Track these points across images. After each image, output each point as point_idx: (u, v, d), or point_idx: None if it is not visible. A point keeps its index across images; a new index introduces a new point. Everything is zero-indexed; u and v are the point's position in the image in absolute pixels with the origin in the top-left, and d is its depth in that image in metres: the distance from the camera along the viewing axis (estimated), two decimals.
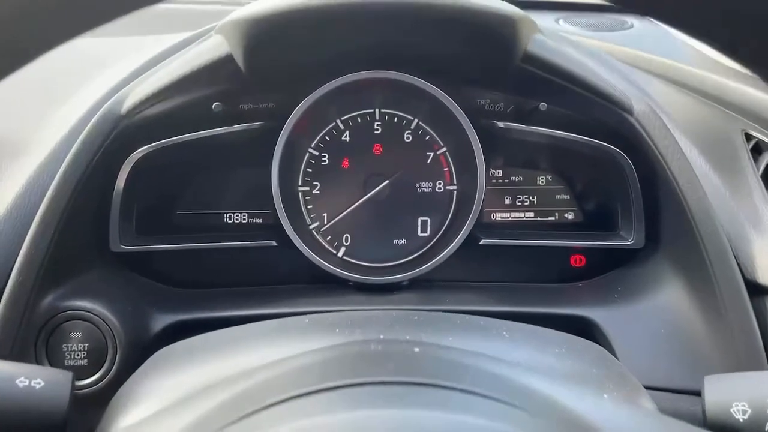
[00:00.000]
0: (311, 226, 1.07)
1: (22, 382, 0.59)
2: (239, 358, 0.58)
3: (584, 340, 0.73)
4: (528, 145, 1.00)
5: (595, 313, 0.92)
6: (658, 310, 0.91)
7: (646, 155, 0.90)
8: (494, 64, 0.87)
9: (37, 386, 0.60)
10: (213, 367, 0.58)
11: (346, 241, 1.08)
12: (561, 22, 1.45)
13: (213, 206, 1.08)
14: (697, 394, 0.81)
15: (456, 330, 0.62)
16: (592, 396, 0.48)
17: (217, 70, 0.85)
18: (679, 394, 0.81)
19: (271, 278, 1.05)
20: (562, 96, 0.90)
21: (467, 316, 0.69)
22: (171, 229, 1.06)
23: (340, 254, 1.07)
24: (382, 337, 0.57)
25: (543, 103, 0.89)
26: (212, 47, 0.86)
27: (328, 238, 1.07)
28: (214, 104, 0.88)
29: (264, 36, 0.79)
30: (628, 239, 0.97)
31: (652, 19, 1.55)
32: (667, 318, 0.89)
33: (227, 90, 0.90)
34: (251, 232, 1.06)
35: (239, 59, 0.84)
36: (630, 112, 0.89)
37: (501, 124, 0.94)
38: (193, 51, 0.89)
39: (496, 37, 0.80)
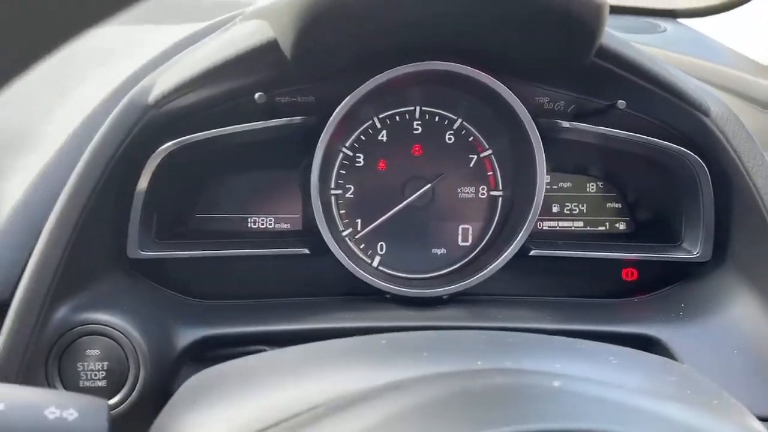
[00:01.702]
0: (344, 233, 0.98)
1: (52, 413, 0.50)
2: (316, 387, 0.49)
3: (679, 364, 0.65)
4: (585, 148, 0.92)
5: (661, 332, 0.84)
6: (731, 327, 0.84)
7: (720, 161, 0.83)
8: (567, 57, 0.79)
9: (70, 417, 0.50)
10: (285, 399, 0.49)
11: (381, 250, 0.99)
12: None
13: (236, 209, 0.99)
14: None
15: (560, 355, 0.54)
16: None
17: (260, 56, 0.76)
18: None
19: (301, 289, 0.96)
20: (632, 95, 0.83)
21: (561, 338, 0.61)
22: (189, 234, 0.96)
23: (375, 264, 0.98)
24: (480, 363, 0.49)
25: (621, 101, 0.81)
26: (253, 32, 0.77)
27: (362, 246, 0.99)
28: (257, 94, 0.78)
29: (319, 20, 0.70)
30: (693, 252, 0.90)
31: (684, 23, 1.50)
32: (742, 336, 0.82)
33: (265, 81, 0.81)
34: (278, 239, 0.97)
35: (286, 45, 0.75)
36: (706, 113, 0.82)
37: (566, 124, 0.86)
38: (230, 36, 0.80)
39: (579, 26, 0.72)
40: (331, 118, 0.84)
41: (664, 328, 0.85)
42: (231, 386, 0.56)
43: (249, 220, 0.99)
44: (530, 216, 0.88)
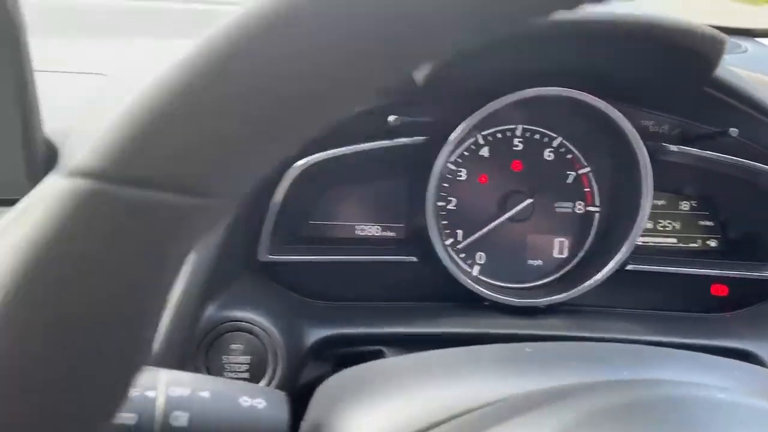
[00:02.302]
0: (446, 243, 1.04)
1: (245, 401, 0.57)
2: (474, 391, 0.55)
3: None
4: (684, 170, 0.97)
5: (759, 348, 0.89)
6: None
7: None
8: (681, 87, 0.85)
9: (260, 406, 0.57)
10: (444, 401, 0.54)
11: (480, 260, 1.05)
12: None
13: (344, 217, 1.05)
14: None
15: (690, 368, 0.59)
16: None
17: None
18: None
19: (404, 294, 1.02)
20: (737, 121, 0.87)
21: (672, 350, 0.66)
22: (303, 240, 1.03)
23: (474, 272, 1.04)
24: (626, 374, 0.55)
25: (734, 129, 0.86)
26: None
27: (462, 256, 1.05)
28: (392, 117, 0.85)
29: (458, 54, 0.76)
30: None
31: (763, 42, 1.52)
32: None
33: (391, 103, 0.88)
34: (385, 246, 1.04)
35: (419, 73, 0.82)
36: None
37: (673, 148, 0.91)
38: None
39: (699, 60, 0.77)
40: (450, 138, 0.91)
41: (761, 344, 0.89)
42: (383, 385, 0.63)
43: (357, 227, 1.06)
44: (632, 234, 0.93)
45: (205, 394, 0.55)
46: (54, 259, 0.30)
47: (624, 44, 0.79)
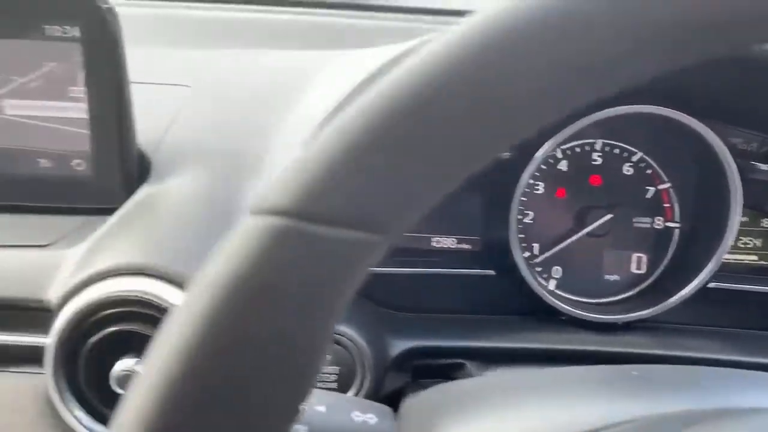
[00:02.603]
0: (524, 256, 1.04)
1: (357, 416, 0.58)
2: (589, 412, 0.55)
3: None
4: None
5: None
6: None
7: None
8: None
9: (371, 421, 0.59)
10: (555, 421, 0.55)
11: (556, 274, 1.05)
12: None
13: (419, 228, 1.06)
14: None
15: None
16: None
17: None
18: None
19: (480, 307, 1.03)
20: None
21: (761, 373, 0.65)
22: None
23: (551, 286, 1.04)
24: (735, 400, 0.55)
25: None
26: None
27: (539, 270, 1.05)
28: None
29: None
30: None
31: None
32: None
33: None
34: (461, 259, 1.05)
35: None
36: None
37: (764, 167, 0.90)
38: None
39: None
40: (536, 155, 0.91)
41: None
42: (486, 403, 0.63)
43: (432, 239, 1.07)
44: (719, 251, 0.92)
45: (321, 408, 0.57)
46: (247, 291, 0.32)
47: (727, 66, 0.78)
